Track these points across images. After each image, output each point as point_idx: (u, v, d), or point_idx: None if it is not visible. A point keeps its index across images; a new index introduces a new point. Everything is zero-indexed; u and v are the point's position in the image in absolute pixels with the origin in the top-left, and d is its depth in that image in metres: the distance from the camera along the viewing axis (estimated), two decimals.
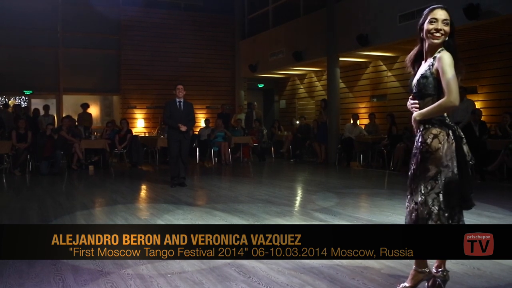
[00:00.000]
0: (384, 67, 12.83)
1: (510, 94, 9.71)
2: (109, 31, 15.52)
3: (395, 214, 5.45)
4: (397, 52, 11.89)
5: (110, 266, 3.65)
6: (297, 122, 14.77)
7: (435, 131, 2.76)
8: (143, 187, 8.73)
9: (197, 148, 12.83)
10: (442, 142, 2.74)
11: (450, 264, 3.45)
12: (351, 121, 12.24)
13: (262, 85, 17.88)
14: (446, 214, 2.73)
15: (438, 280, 2.89)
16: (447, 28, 2.76)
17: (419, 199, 2.78)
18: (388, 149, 10.65)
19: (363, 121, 12.81)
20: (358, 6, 11.48)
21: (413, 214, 2.83)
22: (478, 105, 10.10)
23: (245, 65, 16.09)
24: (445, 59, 2.69)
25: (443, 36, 2.76)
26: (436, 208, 2.73)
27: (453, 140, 2.75)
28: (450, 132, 2.76)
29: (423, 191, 2.77)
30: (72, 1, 14.87)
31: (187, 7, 16.53)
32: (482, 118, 9.58)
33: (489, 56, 10.07)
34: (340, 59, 12.31)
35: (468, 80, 9.81)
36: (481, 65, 10.07)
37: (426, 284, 2.94)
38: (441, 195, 2.73)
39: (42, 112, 13.40)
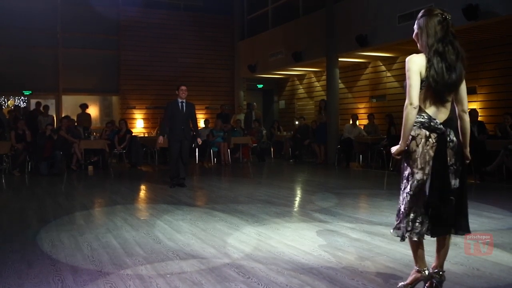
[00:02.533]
0: (383, 68, 12.83)
1: (509, 95, 9.72)
2: (109, 31, 15.52)
3: (395, 215, 5.43)
4: (396, 53, 11.89)
5: (109, 266, 3.64)
6: (297, 122, 14.76)
7: (413, 133, 2.85)
8: (143, 187, 8.72)
9: (197, 149, 12.83)
10: (419, 145, 2.81)
11: (450, 265, 3.45)
12: (350, 122, 12.23)
13: (262, 85, 17.87)
14: (409, 215, 2.84)
15: (434, 281, 2.90)
16: (414, 34, 2.89)
17: (400, 196, 2.96)
18: (387, 150, 10.65)
19: (362, 121, 12.81)
20: (357, 6, 11.49)
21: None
22: (477, 105, 10.11)
23: (245, 66, 16.08)
24: (405, 63, 2.80)
25: (417, 42, 2.87)
26: (403, 207, 2.88)
27: (435, 144, 2.78)
28: (433, 135, 2.79)
29: (400, 189, 2.93)
30: (71, 1, 14.87)
31: (186, 8, 16.54)
32: (482, 119, 9.59)
33: (488, 57, 10.08)
34: (340, 59, 12.30)
35: (467, 80, 9.65)
36: (480, 66, 10.07)
37: (424, 285, 2.94)
38: (409, 196, 2.84)
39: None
